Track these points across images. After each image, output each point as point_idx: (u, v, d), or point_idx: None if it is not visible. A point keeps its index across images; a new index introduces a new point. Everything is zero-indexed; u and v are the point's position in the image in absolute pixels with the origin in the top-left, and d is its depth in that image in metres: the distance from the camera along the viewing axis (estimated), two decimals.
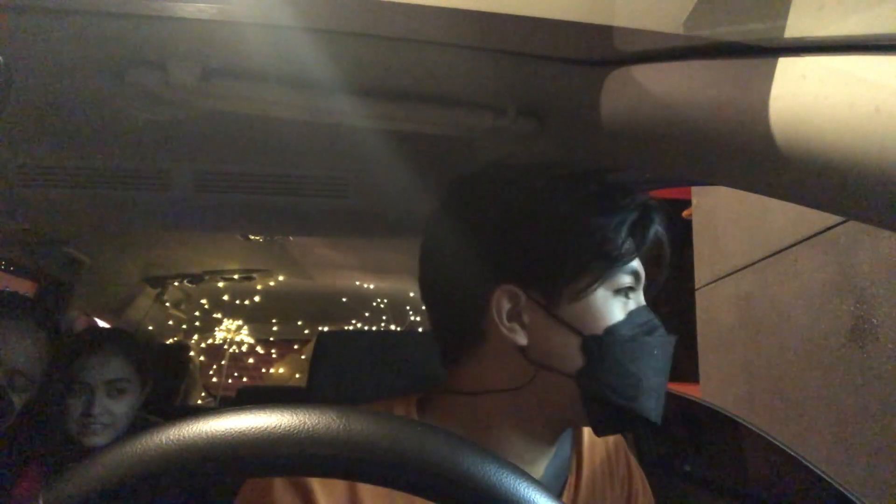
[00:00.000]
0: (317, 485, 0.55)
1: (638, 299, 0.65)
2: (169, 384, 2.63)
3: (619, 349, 0.60)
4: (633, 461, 0.77)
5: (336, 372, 1.29)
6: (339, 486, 0.57)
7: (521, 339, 0.61)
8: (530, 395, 0.61)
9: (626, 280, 0.62)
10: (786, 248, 2.27)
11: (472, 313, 0.63)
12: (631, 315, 0.62)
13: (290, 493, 0.55)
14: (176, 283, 2.68)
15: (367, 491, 0.57)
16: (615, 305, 0.62)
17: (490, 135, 0.78)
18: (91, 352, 1.24)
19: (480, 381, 0.64)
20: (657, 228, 0.66)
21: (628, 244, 0.62)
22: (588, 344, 0.60)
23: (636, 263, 0.64)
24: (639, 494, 0.75)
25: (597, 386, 0.59)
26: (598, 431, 0.64)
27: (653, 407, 0.61)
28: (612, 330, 0.60)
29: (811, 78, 0.40)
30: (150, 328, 2.78)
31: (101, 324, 2.50)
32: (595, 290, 0.61)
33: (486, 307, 0.62)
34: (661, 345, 0.62)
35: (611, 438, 0.76)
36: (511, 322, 0.62)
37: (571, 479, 0.70)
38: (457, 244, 0.67)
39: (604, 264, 0.61)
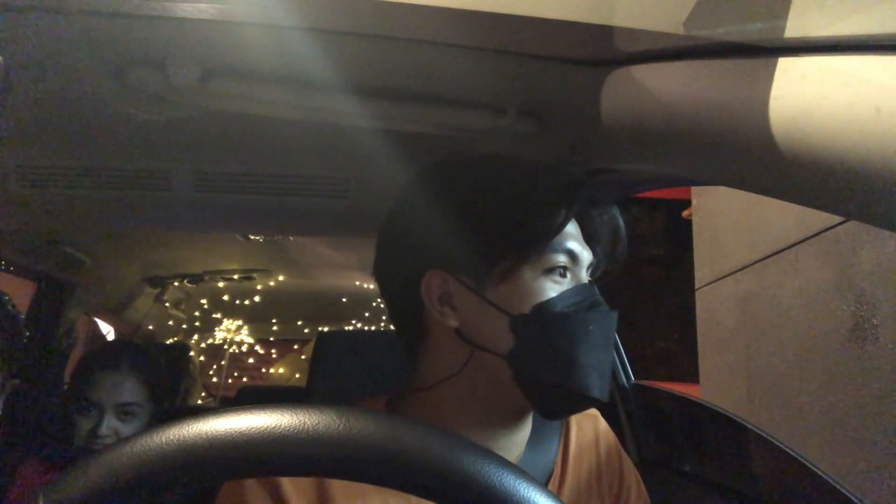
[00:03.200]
0: (287, 483, 0.57)
1: (578, 278, 0.65)
2: (169, 384, 2.63)
3: (548, 326, 0.60)
4: (627, 459, 0.77)
5: (336, 372, 1.30)
6: (308, 482, 0.58)
7: (453, 322, 0.62)
8: (475, 380, 0.63)
9: (559, 259, 0.62)
10: (786, 248, 2.27)
11: (410, 301, 0.65)
12: (564, 293, 0.62)
13: (261, 491, 0.57)
14: (176, 283, 2.68)
15: (337, 487, 0.58)
16: (546, 285, 0.62)
17: (490, 135, 0.79)
18: (106, 370, 1.21)
19: (433, 372, 0.65)
20: (587, 208, 0.67)
21: (549, 223, 0.62)
22: (516, 323, 0.60)
23: (571, 243, 0.64)
24: (631, 492, 0.75)
25: (528, 364, 0.60)
26: (544, 413, 0.64)
27: (593, 384, 0.60)
28: (539, 308, 0.60)
29: (811, 78, 0.40)
30: (150, 328, 2.78)
31: (102, 324, 2.50)
32: (520, 269, 0.61)
33: (418, 293, 0.64)
34: (599, 320, 0.62)
35: (602, 436, 0.76)
36: (443, 306, 0.63)
37: (556, 473, 0.70)
38: (394, 235, 0.69)
39: (525, 244, 0.61)
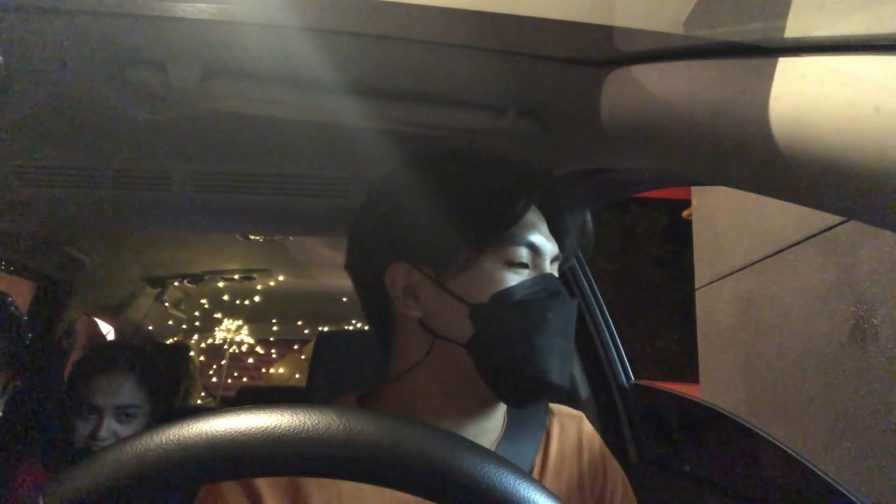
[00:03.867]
0: (263, 483, 0.58)
1: (541, 270, 0.65)
2: (168, 385, 2.62)
3: (506, 315, 0.61)
4: (612, 461, 0.76)
5: (336, 372, 1.30)
6: (284, 481, 0.59)
7: (416, 312, 0.64)
8: (438, 370, 0.64)
9: (520, 251, 0.63)
10: (786, 248, 2.27)
11: (377, 293, 0.67)
12: (523, 283, 0.63)
13: (237, 487, 0.58)
14: (176, 283, 2.67)
15: (313, 485, 0.59)
16: (506, 276, 0.63)
17: (490, 135, 0.79)
18: (104, 372, 1.21)
19: (401, 364, 0.67)
20: (554, 200, 0.68)
21: (506, 214, 0.63)
22: (475, 312, 0.62)
23: (534, 235, 0.65)
24: (616, 495, 0.74)
25: (487, 352, 0.61)
26: (505, 400, 0.65)
27: (553, 369, 0.61)
28: (497, 297, 0.61)
29: (811, 78, 0.40)
30: (150, 328, 2.77)
31: (102, 324, 2.50)
32: (479, 260, 0.63)
33: (384, 285, 0.66)
34: (558, 308, 0.63)
35: (585, 437, 0.75)
36: (406, 297, 0.65)
37: (535, 474, 0.69)
38: (362, 229, 0.71)
39: (483, 235, 0.63)
